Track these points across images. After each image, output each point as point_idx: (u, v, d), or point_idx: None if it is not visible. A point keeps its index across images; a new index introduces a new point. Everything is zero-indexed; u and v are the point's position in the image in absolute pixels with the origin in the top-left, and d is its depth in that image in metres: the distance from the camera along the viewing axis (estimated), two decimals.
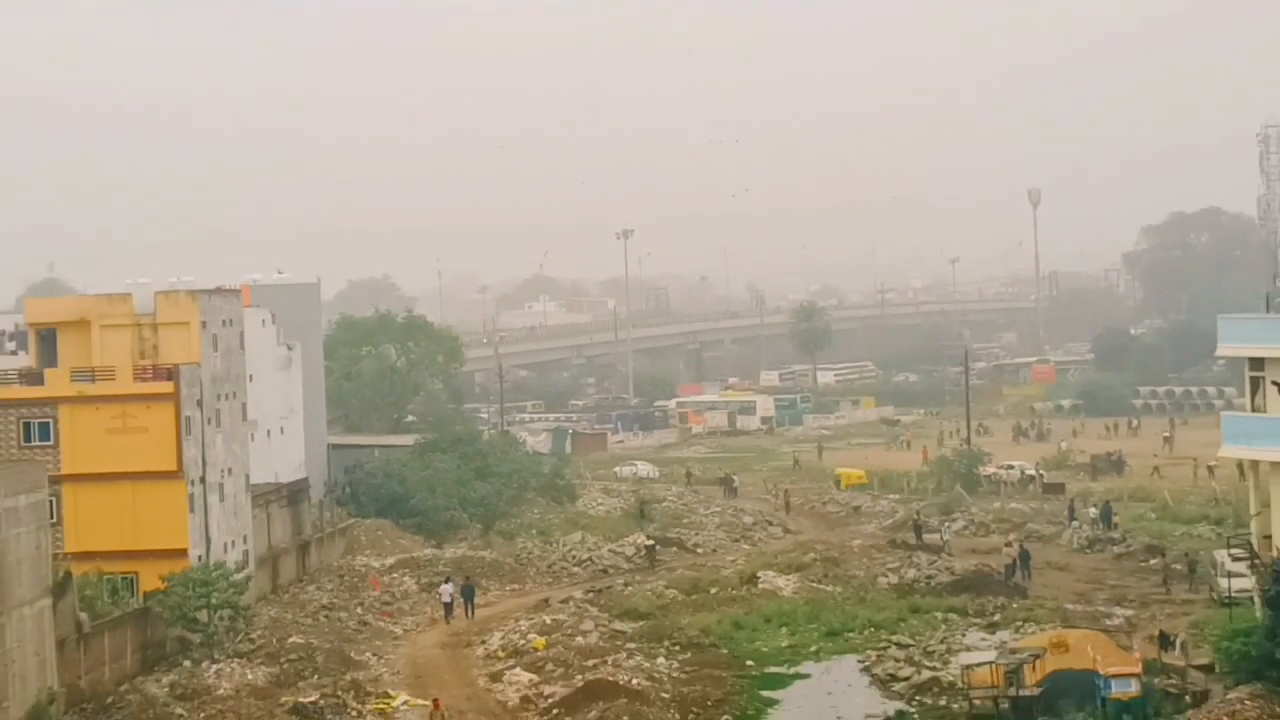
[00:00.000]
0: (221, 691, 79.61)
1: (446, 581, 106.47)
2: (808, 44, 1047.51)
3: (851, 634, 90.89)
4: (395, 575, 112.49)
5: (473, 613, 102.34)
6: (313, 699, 78.12)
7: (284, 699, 78.22)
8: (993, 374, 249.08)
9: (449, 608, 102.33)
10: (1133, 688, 71.10)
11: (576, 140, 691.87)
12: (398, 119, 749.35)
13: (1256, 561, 77.99)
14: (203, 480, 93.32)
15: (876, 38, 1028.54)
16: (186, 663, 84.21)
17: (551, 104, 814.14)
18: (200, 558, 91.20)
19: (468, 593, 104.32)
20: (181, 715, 76.19)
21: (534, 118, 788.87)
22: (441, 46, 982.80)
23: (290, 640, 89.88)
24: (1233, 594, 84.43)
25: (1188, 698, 72.10)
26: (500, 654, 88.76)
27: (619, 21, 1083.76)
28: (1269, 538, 76.91)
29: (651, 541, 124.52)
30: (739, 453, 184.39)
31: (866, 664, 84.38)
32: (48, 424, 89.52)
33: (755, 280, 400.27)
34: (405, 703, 79.16)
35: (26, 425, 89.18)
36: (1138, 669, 72.64)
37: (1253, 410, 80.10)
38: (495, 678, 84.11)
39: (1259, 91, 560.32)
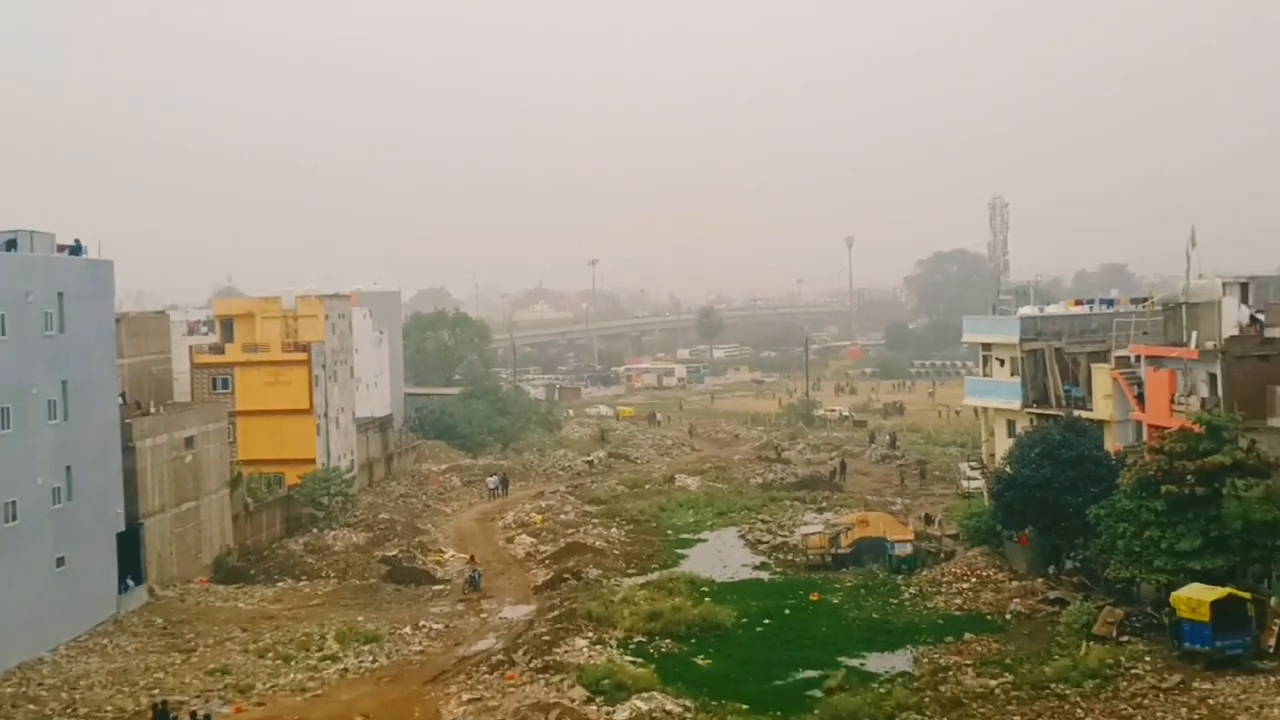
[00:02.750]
0: (336, 548, 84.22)
1: (492, 475, 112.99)
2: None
3: (733, 514, 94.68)
4: (446, 475, 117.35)
5: (507, 493, 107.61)
6: (394, 553, 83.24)
7: (376, 553, 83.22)
8: (822, 352, 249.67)
9: (493, 492, 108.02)
10: (908, 549, 74.56)
11: (563, 194, 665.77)
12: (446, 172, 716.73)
13: (984, 470, 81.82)
14: (325, 415, 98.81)
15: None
16: (314, 530, 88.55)
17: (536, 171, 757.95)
18: (323, 464, 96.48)
19: (504, 482, 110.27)
20: (310, 563, 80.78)
21: (534, 178, 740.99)
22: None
23: (380, 516, 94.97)
24: (969, 491, 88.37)
25: (942, 555, 75.22)
26: (512, 526, 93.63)
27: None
28: (993, 456, 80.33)
29: (604, 454, 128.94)
30: (662, 401, 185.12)
31: (742, 533, 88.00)
32: (228, 378, 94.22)
33: (674, 291, 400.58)
34: (452, 555, 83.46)
35: (214, 379, 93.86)
36: (911, 537, 76.70)
37: (983, 376, 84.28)
38: (509, 540, 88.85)
39: (989, 169, 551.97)
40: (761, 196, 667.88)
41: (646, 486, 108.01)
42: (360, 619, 64.92)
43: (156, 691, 51.42)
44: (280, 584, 75.08)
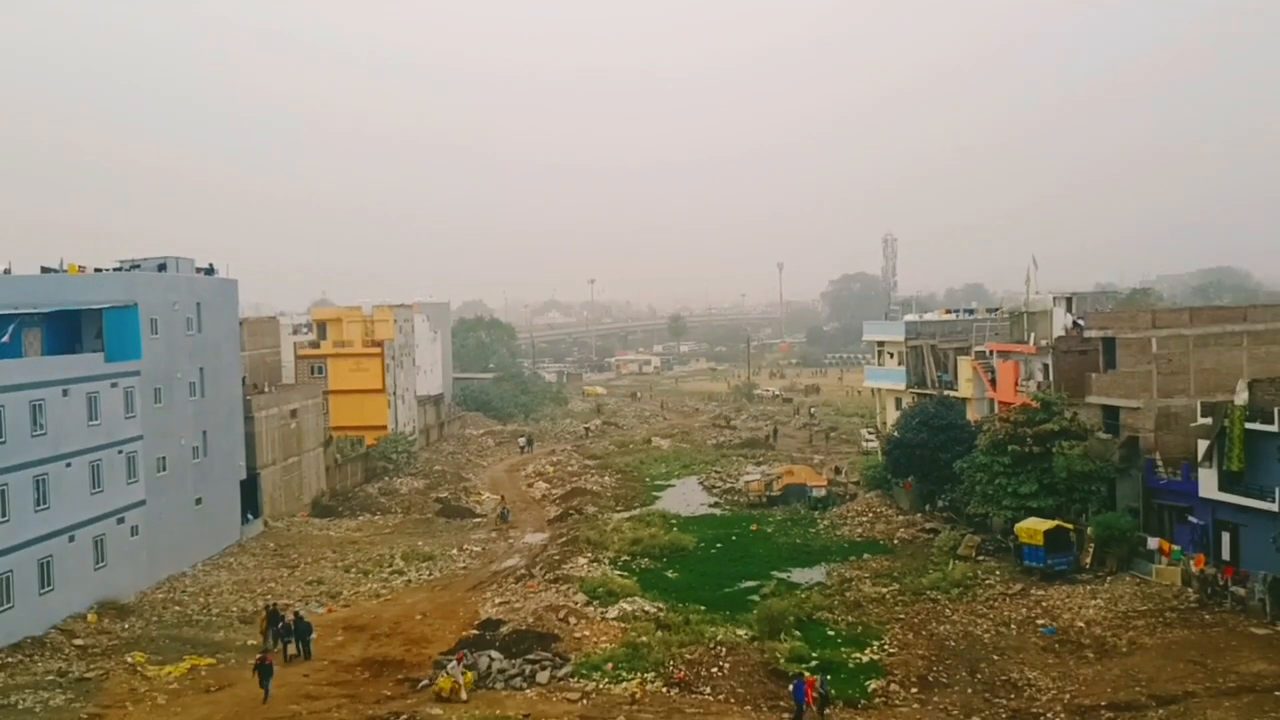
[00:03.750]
0: (402, 491, 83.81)
1: (521, 436, 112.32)
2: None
3: (694, 467, 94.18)
4: (483, 438, 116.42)
5: (533, 450, 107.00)
6: (444, 495, 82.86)
7: (431, 495, 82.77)
8: (760, 348, 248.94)
9: (523, 448, 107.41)
10: (823, 492, 74.63)
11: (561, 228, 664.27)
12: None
13: (878, 434, 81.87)
14: (394, 393, 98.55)
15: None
16: (385, 478, 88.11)
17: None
18: (393, 429, 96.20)
19: (530, 441, 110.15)
20: (383, 502, 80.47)
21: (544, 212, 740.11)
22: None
23: (434, 468, 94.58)
24: (868, 450, 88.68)
25: (847, 496, 74.78)
26: (532, 475, 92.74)
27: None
28: (885, 424, 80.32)
29: (599, 422, 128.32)
30: (643, 383, 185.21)
31: (701, 481, 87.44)
32: (322, 366, 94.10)
33: (651, 302, 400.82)
34: (488, 496, 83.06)
35: (312, 367, 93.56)
36: (825, 483, 76.71)
37: (878, 365, 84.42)
38: (530, 485, 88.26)
39: (884, 210, 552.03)
40: (715, 233, 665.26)
41: (630, 446, 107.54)
42: (420, 543, 65.17)
43: (269, 597, 51.71)
44: (360, 518, 74.91)
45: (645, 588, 52.21)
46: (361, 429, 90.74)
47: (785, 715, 35.81)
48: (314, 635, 43.81)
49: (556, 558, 58.13)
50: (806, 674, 36.99)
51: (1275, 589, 43.24)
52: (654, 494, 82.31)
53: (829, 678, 37.63)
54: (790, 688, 36.18)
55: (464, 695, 37.14)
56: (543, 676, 39.31)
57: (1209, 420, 48.64)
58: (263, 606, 48.27)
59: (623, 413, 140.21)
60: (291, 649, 43.14)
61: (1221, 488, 47.83)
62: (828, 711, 35.50)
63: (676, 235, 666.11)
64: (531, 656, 40.75)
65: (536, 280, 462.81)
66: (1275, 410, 45.25)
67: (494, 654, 40.98)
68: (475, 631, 45.06)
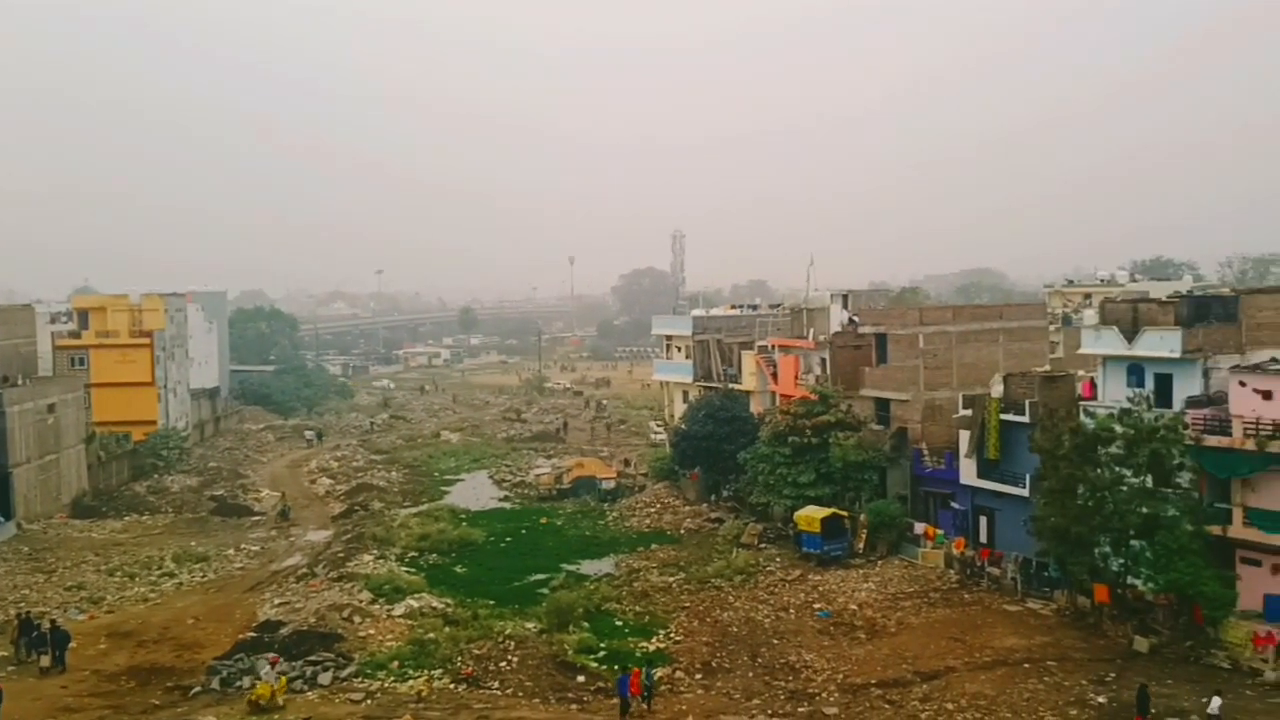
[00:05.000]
0: (173, 489, 79.91)
1: (309, 430, 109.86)
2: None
3: (484, 460, 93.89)
4: (263, 433, 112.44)
5: (322, 443, 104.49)
6: (220, 492, 79.57)
7: (206, 493, 79.24)
8: (551, 341, 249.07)
9: (310, 442, 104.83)
10: (612, 484, 75.58)
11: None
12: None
13: (666, 426, 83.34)
14: (165, 386, 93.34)
15: None
16: (155, 476, 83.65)
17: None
18: (163, 424, 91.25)
19: (320, 435, 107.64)
20: (152, 501, 76.41)
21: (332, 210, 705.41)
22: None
23: (209, 464, 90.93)
24: (656, 442, 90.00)
25: (636, 488, 75.88)
26: (316, 470, 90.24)
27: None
28: (673, 416, 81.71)
29: (386, 416, 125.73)
30: (433, 376, 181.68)
31: (491, 474, 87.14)
32: (84, 358, 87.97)
33: (441, 294, 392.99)
34: (268, 493, 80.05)
35: (72, 358, 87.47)
36: (614, 475, 77.68)
37: (667, 359, 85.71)
38: (313, 482, 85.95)
39: (674, 207, 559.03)
40: (507, 226, 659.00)
41: (419, 440, 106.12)
42: (193, 544, 62.46)
43: (22, 605, 48.35)
44: (127, 518, 70.98)
45: (433, 584, 51.87)
46: (129, 424, 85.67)
47: (573, 707, 36.17)
48: (72, 644, 41.47)
49: (341, 555, 56.96)
50: (631, 666, 37.27)
51: (1025, 569, 46.67)
52: (443, 488, 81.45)
53: (653, 669, 38.11)
54: (616, 682, 36.30)
55: (280, 701, 35.89)
56: (325, 678, 38.40)
57: (969, 412, 52.02)
58: (14, 615, 45.25)
59: (411, 406, 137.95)
60: (46, 660, 40.45)
61: (980, 475, 51.20)
62: (648, 705, 35.82)
63: (473, 225, 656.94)
64: (313, 658, 39.79)
65: (321, 269, 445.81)
66: (1026, 402, 48.79)
67: (272, 656, 39.79)
68: (253, 634, 43.69)
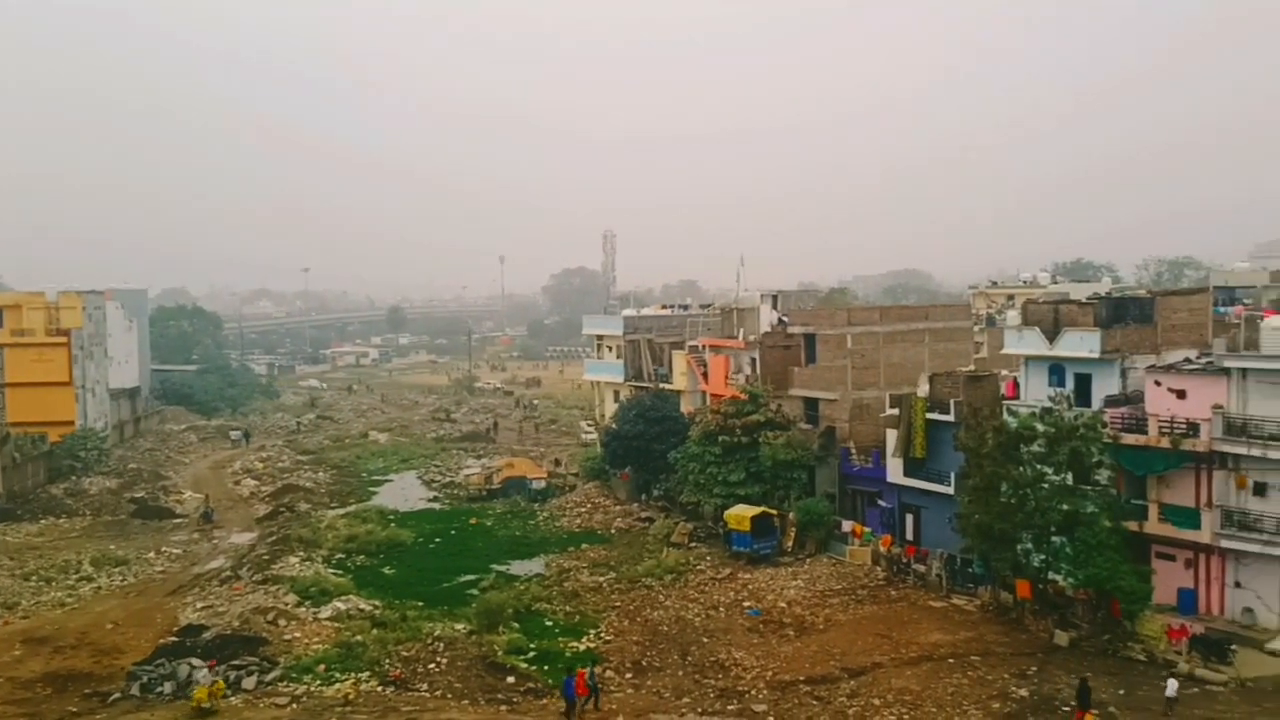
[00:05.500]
0: (92, 492, 77.95)
1: (235, 430, 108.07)
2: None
3: (414, 461, 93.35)
4: (185, 433, 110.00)
5: (249, 444, 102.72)
6: (140, 494, 77.89)
7: (126, 494, 77.52)
8: (481, 340, 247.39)
9: (236, 443, 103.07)
10: (543, 484, 75.66)
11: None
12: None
13: (597, 426, 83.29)
14: (83, 386, 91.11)
15: None
16: (73, 478, 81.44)
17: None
18: (81, 425, 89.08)
19: (247, 435, 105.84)
20: (69, 504, 74.59)
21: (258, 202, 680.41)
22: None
23: (130, 466, 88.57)
24: (587, 441, 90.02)
25: (567, 488, 76.10)
26: (240, 471, 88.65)
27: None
28: (603, 416, 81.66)
29: (313, 416, 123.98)
30: (361, 376, 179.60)
31: (420, 475, 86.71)
32: None
33: (370, 293, 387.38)
34: (190, 495, 78.44)
35: None
36: (545, 475, 77.78)
37: (598, 358, 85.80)
38: (237, 483, 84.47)
39: (603, 208, 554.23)
40: (437, 223, 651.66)
41: (346, 441, 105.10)
42: (112, 547, 61.17)
43: None
44: (43, 521, 69.28)
45: (361, 585, 51.40)
46: (45, 425, 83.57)
47: (503, 709, 36.00)
48: None
49: (266, 558, 56.22)
50: (578, 668, 36.91)
51: (950, 565, 47.44)
52: (371, 489, 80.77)
53: (596, 669, 37.92)
54: (562, 683, 35.81)
55: (219, 705, 35.23)
56: (249, 682, 37.79)
57: (896, 411, 52.74)
58: None
59: (339, 406, 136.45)
60: None
61: (906, 473, 51.98)
62: (592, 706, 35.62)
63: (400, 225, 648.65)
64: (236, 662, 39.16)
65: (246, 267, 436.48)
66: (951, 401, 49.62)
67: (195, 661, 39.27)
68: (174, 638, 42.96)
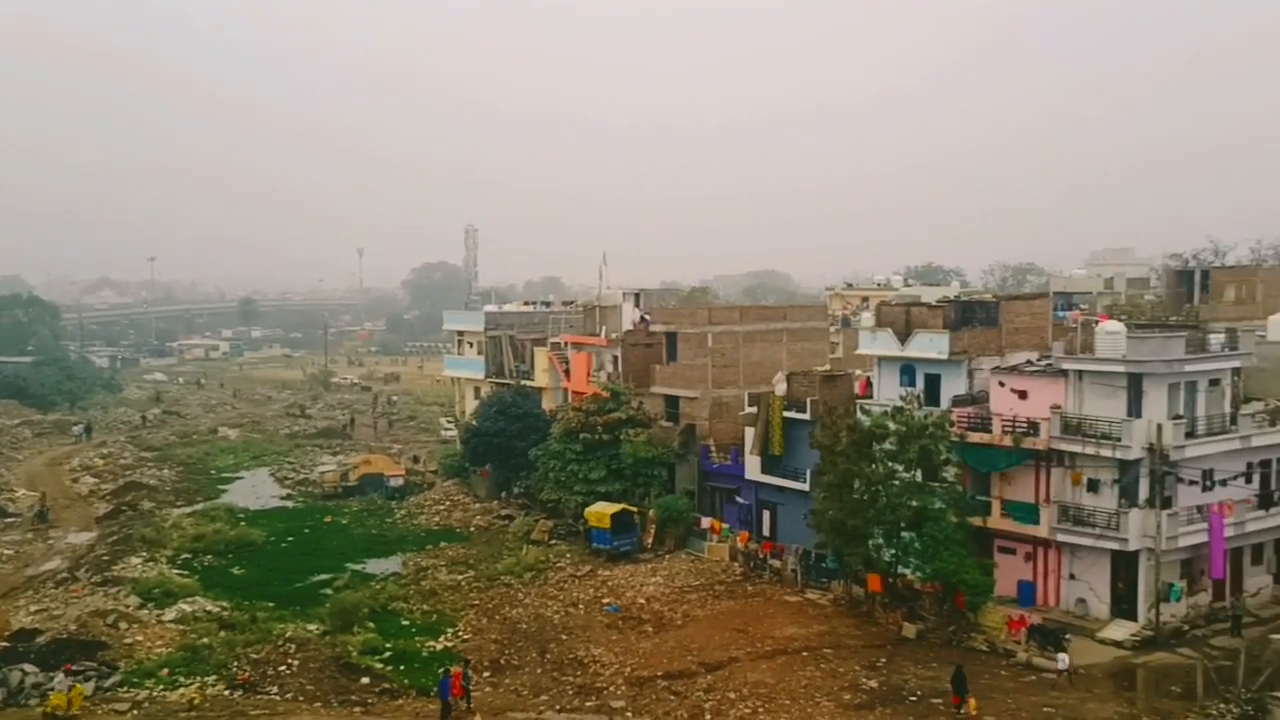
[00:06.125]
0: None
1: (77, 424, 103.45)
2: None
3: (266, 458, 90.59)
4: (19, 428, 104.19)
5: (91, 438, 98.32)
6: None
7: None
8: (339, 335, 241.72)
9: (78, 438, 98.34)
10: (401, 481, 74.41)
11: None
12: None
13: (457, 423, 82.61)
14: None
15: None
16: None
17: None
18: None
19: (88, 429, 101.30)
20: None
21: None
22: None
23: None
24: (445, 439, 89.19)
25: (425, 485, 74.89)
26: (79, 468, 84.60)
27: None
28: (464, 412, 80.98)
29: (159, 411, 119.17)
30: (210, 370, 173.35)
31: (273, 472, 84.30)
32: None
33: (219, 284, 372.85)
34: (24, 493, 74.74)
35: None
36: (403, 472, 76.35)
37: (458, 354, 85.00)
38: (75, 480, 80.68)
39: (469, 201, 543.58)
40: (292, 214, 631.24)
41: (195, 437, 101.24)
42: None
43: None
44: None
45: (208, 586, 50.06)
46: None
47: (356, 710, 35.45)
48: None
49: (106, 558, 54.24)
50: (452, 668, 36.46)
51: (805, 560, 48.58)
52: (220, 487, 78.34)
53: (471, 667, 37.50)
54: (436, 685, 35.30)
55: (75, 710, 33.79)
56: (87, 688, 36.16)
57: (754, 409, 53.73)
58: None
59: (186, 401, 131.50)
60: None
61: (764, 471, 53.00)
62: (468, 705, 35.17)
63: (249, 215, 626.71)
64: (74, 667, 37.41)
65: (86, 255, 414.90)
66: (807, 400, 50.82)
67: (27, 667, 37.34)
68: (5, 644, 40.82)
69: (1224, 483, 42.30)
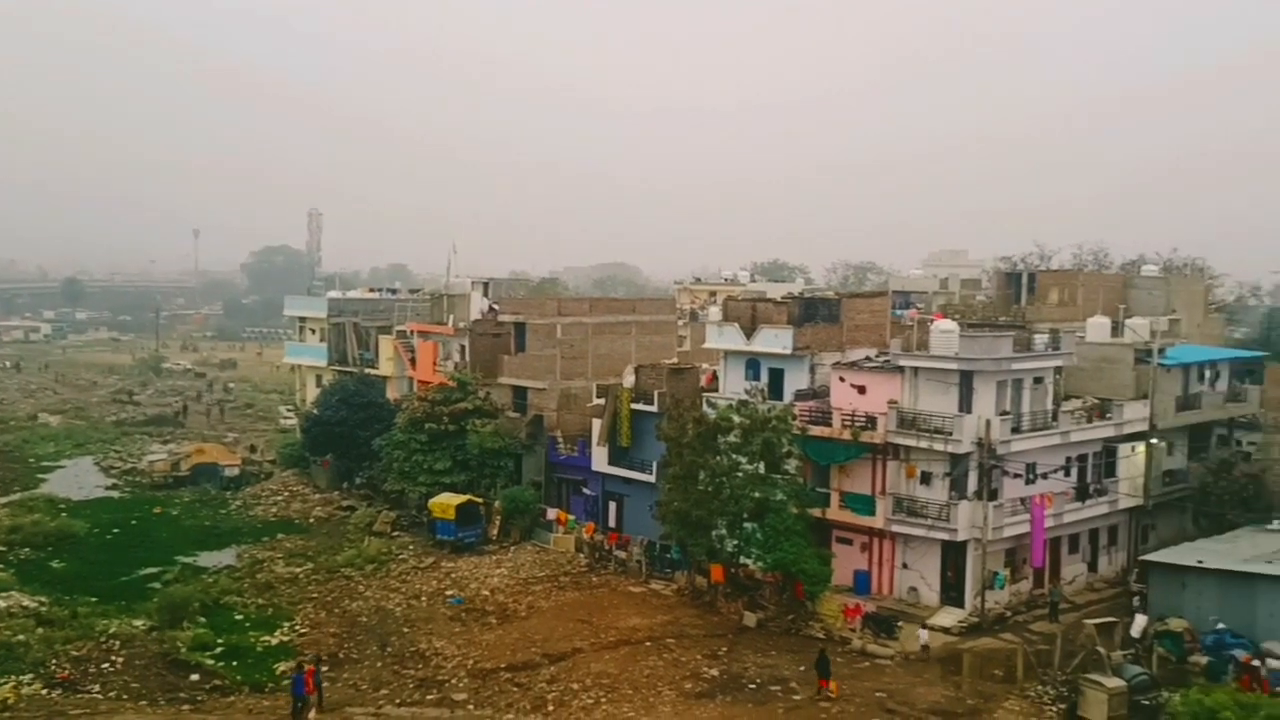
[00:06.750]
0: None
1: None
2: None
3: (90, 446, 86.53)
4: None
5: None
6: None
7: None
8: (172, 318, 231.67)
9: None
10: (236, 471, 72.59)
11: None
12: None
13: (298, 411, 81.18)
14: None
15: None
16: None
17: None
18: None
19: None
20: None
21: None
22: None
23: None
24: (284, 427, 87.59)
25: (263, 475, 73.07)
26: None
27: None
28: (305, 401, 79.61)
29: None
30: (30, 353, 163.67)
31: (98, 461, 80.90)
32: None
33: (41, 263, 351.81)
34: None
35: None
36: (239, 461, 74.69)
37: (300, 341, 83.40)
38: None
39: (312, 185, 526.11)
40: (125, 192, 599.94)
41: (12, 423, 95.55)
42: None
43: None
44: None
45: (25, 581, 47.82)
46: None
47: (185, 708, 34.34)
48: None
49: None
50: (306, 664, 35.38)
51: (650, 551, 49.10)
52: (40, 476, 74.79)
53: (313, 663, 36.46)
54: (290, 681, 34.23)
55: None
56: None
57: (603, 401, 54.06)
58: None
59: (3, 385, 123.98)
60: None
61: (611, 462, 53.41)
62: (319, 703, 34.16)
63: (78, 189, 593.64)
64: None
65: None
66: (655, 393, 51.36)
67: None
68: None
69: (1045, 476, 44.70)
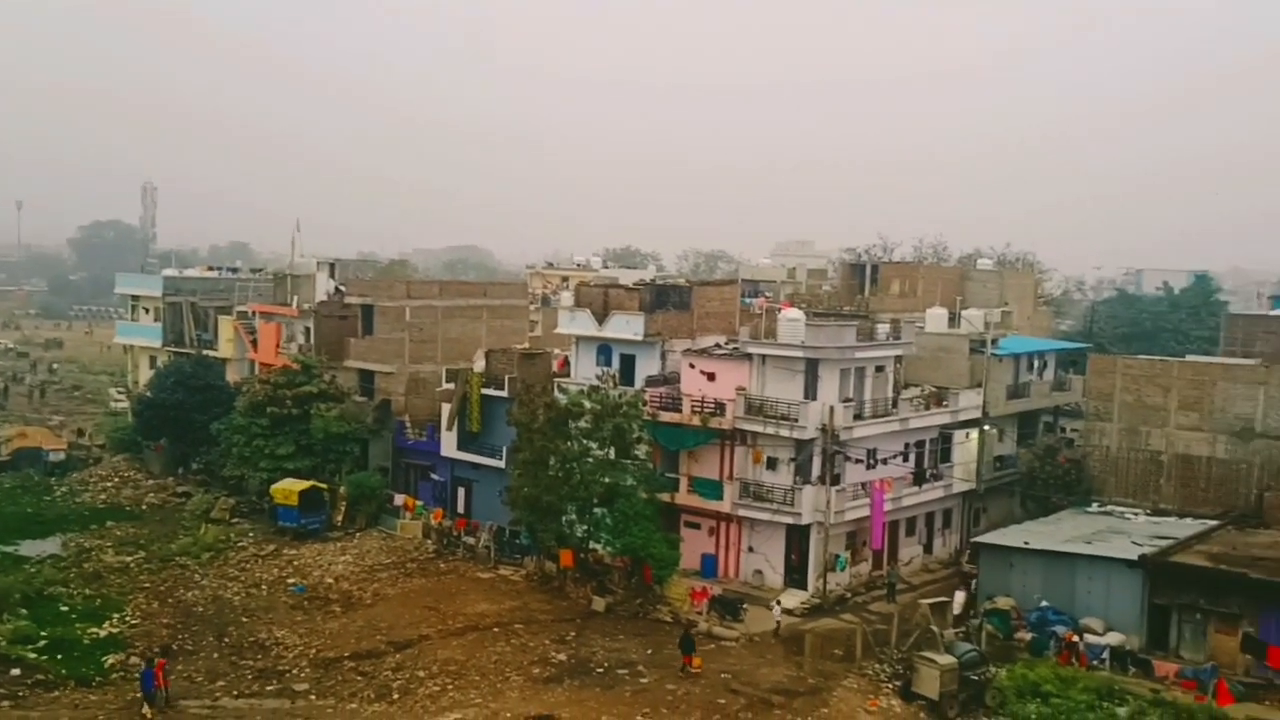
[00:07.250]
0: None
1: None
2: None
3: None
4: None
5: None
6: None
7: None
8: None
9: None
10: (62, 455, 68.87)
11: None
12: None
13: (129, 393, 78.11)
14: None
15: None
16: None
17: None
18: None
19: None
20: None
21: None
22: None
23: None
24: (115, 410, 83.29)
25: (91, 460, 69.46)
26: None
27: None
28: (137, 383, 76.64)
29: None
30: None
31: None
32: None
33: None
34: None
35: None
36: (65, 446, 71.06)
37: (132, 320, 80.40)
38: None
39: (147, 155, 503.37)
40: None
41: None
42: None
43: None
44: None
45: None
46: None
47: (5, 704, 32.78)
48: None
49: None
50: (156, 659, 34.29)
51: (500, 537, 48.95)
52: None
53: (141, 654, 35.67)
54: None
55: None
56: None
57: (452, 385, 53.55)
58: None
59: None
60: None
61: (460, 447, 53.00)
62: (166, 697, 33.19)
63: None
64: None
65: None
66: (506, 377, 51.13)
67: None
68: None
69: (885, 461, 46.38)
